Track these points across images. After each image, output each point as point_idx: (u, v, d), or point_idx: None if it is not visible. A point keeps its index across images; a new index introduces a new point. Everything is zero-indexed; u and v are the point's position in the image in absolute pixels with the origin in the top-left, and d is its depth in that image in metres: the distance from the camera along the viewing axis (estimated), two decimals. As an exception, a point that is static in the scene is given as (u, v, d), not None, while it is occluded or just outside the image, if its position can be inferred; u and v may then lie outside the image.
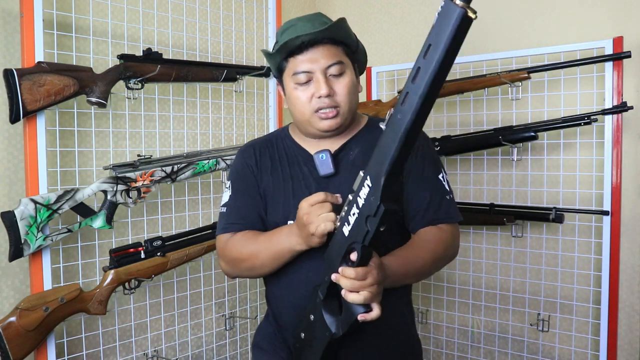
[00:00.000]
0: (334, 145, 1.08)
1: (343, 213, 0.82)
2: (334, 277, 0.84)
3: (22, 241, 1.33)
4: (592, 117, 1.64)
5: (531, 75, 1.76)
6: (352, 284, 0.81)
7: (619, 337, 1.74)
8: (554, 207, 1.75)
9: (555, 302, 1.86)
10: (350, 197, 0.80)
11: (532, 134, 1.73)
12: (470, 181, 2.03)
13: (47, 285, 1.41)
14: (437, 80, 0.66)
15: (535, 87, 1.87)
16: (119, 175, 1.50)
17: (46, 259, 1.41)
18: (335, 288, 0.86)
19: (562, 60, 1.73)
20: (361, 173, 0.78)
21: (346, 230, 0.80)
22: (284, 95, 1.10)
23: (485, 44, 2.03)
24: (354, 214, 0.79)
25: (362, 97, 2.26)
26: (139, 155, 1.59)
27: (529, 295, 1.91)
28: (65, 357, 1.49)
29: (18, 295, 1.48)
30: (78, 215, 1.47)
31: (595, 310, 1.78)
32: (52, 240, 1.39)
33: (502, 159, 1.95)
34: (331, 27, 1.02)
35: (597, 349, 1.73)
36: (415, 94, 0.66)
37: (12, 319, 1.30)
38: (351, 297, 0.82)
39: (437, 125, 2.10)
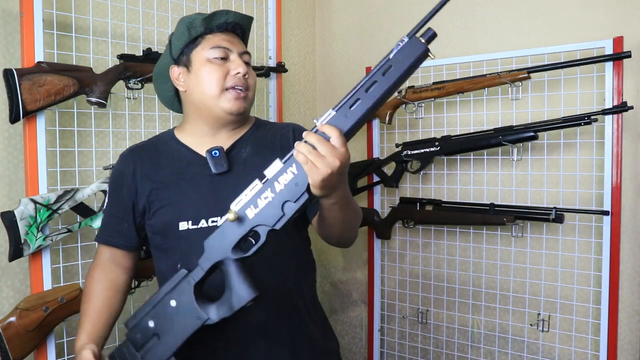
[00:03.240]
0: (226, 143, 1.08)
1: (245, 196, 0.82)
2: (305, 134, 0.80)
3: (22, 241, 1.33)
4: (592, 117, 1.64)
5: (531, 75, 1.75)
6: (325, 146, 0.78)
7: (619, 337, 1.74)
8: (554, 207, 1.75)
9: (555, 302, 1.85)
10: (258, 181, 0.82)
11: (532, 134, 1.72)
12: (470, 181, 2.03)
13: (47, 285, 1.41)
14: (387, 95, 0.79)
15: (535, 87, 1.87)
16: (118, 175, 1.50)
17: (46, 259, 1.41)
18: (209, 276, 0.86)
19: (562, 60, 1.73)
20: (278, 160, 0.82)
21: (251, 212, 0.82)
22: (188, 72, 1.07)
23: (485, 44, 2.03)
24: (265, 198, 0.81)
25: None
26: (139, 155, 1.59)
27: (529, 295, 1.91)
28: (65, 357, 1.49)
29: (18, 295, 1.48)
30: (78, 215, 1.47)
31: (595, 310, 1.78)
32: (52, 240, 1.39)
33: (502, 159, 1.95)
34: (249, 17, 1.12)
35: (597, 349, 1.73)
36: (365, 103, 0.79)
37: (12, 319, 1.30)
38: (301, 158, 0.79)
39: (437, 125, 2.10)
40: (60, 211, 1.40)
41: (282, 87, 2.12)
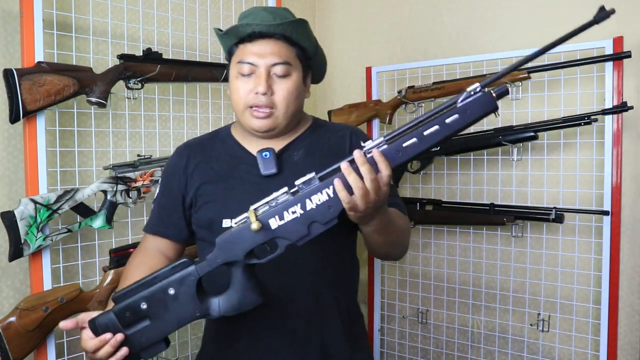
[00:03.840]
0: (278, 144, 1.06)
1: (274, 204, 0.79)
2: (359, 157, 0.76)
3: (22, 241, 1.33)
4: (592, 117, 1.64)
5: (531, 75, 1.76)
6: (369, 184, 0.76)
7: (619, 337, 1.74)
8: (554, 207, 1.75)
9: (555, 302, 1.85)
10: (287, 193, 0.79)
11: (532, 134, 1.72)
12: (470, 181, 2.03)
13: (47, 285, 1.41)
14: (443, 142, 0.77)
15: (535, 87, 1.87)
16: (119, 175, 1.51)
17: (46, 259, 1.41)
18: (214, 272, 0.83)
19: (562, 60, 1.73)
20: (314, 175, 0.79)
21: (274, 223, 0.78)
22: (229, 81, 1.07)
23: (485, 44, 2.03)
24: (293, 212, 0.78)
25: (362, 97, 2.26)
26: (139, 155, 1.59)
27: (529, 295, 1.91)
28: (65, 357, 1.49)
29: (18, 295, 1.48)
30: (78, 215, 1.47)
31: (595, 310, 1.78)
32: (52, 240, 1.39)
33: (502, 159, 1.95)
34: (285, 24, 1.00)
35: (597, 349, 1.73)
36: (420, 146, 0.77)
37: (12, 319, 1.30)
38: (339, 186, 0.76)
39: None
40: (60, 211, 1.39)
41: (282, 87, 2.12)
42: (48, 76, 1.37)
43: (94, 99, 1.46)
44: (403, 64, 2.17)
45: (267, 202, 0.80)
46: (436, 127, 0.76)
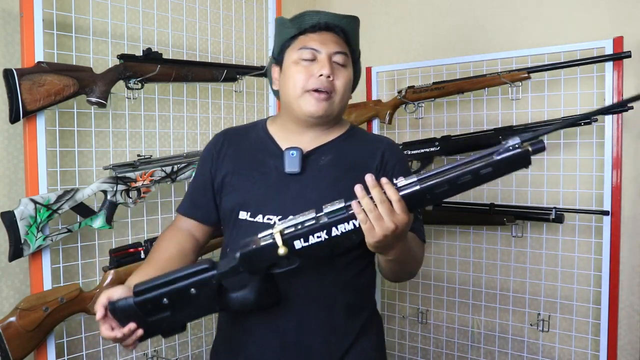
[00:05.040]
0: (309, 145, 1.07)
1: (303, 223, 0.81)
2: (370, 180, 0.79)
3: (22, 241, 1.33)
4: (592, 117, 1.64)
5: (531, 75, 1.75)
6: (380, 206, 0.77)
7: (619, 337, 1.74)
8: (554, 207, 1.75)
9: (555, 302, 1.86)
10: (314, 216, 0.81)
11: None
12: (470, 181, 2.02)
13: (47, 285, 1.41)
14: (469, 189, 0.78)
15: (535, 87, 1.87)
16: (119, 175, 1.50)
17: (46, 259, 1.41)
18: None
19: (562, 60, 1.73)
20: (342, 204, 0.80)
21: (299, 244, 0.81)
22: (280, 72, 1.09)
23: (485, 44, 2.03)
24: (318, 237, 0.80)
25: (362, 97, 2.26)
26: (139, 155, 1.59)
27: (529, 295, 1.91)
28: (65, 357, 1.49)
29: (18, 295, 1.48)
30: (78, 215, 1.47)
31: (595, 310, 1.78)
32: (52, 240, 1.39)
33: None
34: (349, 17, 1.07)
35: (597, 349, 1.73)
36: (451, 191, 0.78)
37: (12, 319, 1.30)
38: (362, 217, 0.78)
39: (437, 125, 2.10)
40: (60, 211, 1.39)
41: (282, 87, 2.12)
42: (48, 76, 1.37)
43: (94, 99, 1.46)
44: (403, 64, 2.17)
45: (294, 225, 0.82)
46: (469, 177, 0.77)
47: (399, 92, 2.04)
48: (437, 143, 1.93)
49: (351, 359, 1.04)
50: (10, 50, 1.47)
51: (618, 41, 1.64)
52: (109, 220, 1.50)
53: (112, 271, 1.47)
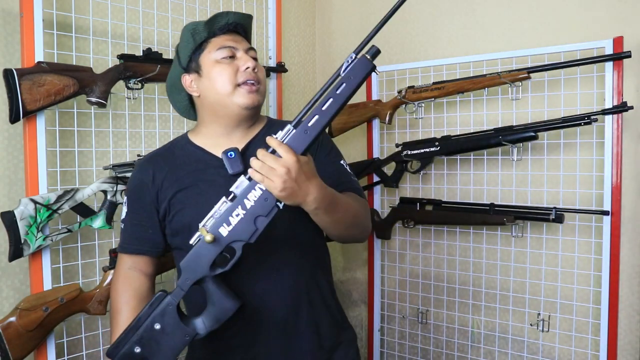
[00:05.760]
0: (240, 143, 1.10)
1: (218, 215, 0.87)
2: (256, 157, 0.85)
3: (22, 241, 1.33)
4: (592, 117, 1.64)
5: (531, 75, 1.75)
6: (264, 159, 0.84)
7: (619, 337, 1.74)
8: (554, 207, 1.75)
9: (555, 302, 1.85)
10: (226, 201, 0.88)
11: (532, 134, 1.72)
12: (470, 181, 2.03)
13: (47, 285, 1.41)
14: (340, 110, 0.88)
15: (535, 87, 1.87)
16: (118, 175, 1.51)
17: (46, 259, 1.41)
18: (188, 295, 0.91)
19: (562, 60, 1.73)
20: (244, 178, 0.88)
21: (224, 230, 0.86)
22: (197, 78, 1.10)
23: (485, 44, 2.03)
24: (237, 215, 0.86)
25: (362, 97, 2.26)
26: (139, 155, 1.59)
27: (529, 295, 1.91)
28: (65, 357, 1.49)
29: (18, 295, 1.48)
30: (78, 215, 1.47)
31: (595, 310, 1.78)
32: (52, 240, 1.39)
33: (502, 159, 1.95)
34: (250, 16, 1.16)
35: (597, 349, 1.73)
36: (324, 118, 0.86)
37: (12, 319, 1.30)
38: (258, 177, 0.85)
39: (437, 125, 2.10)
40: (60, 211, 1.40)
41: (282, 87, 2.12)
42: (48, 76, 1.37)
43: (94, 99, 1.46)
44: (403, 64, 2.17)
45: (212, 216, 0.88)
46: (330, 99, 0.86)
47: (399, 92, 2.04)
48: (437, 143, 1.93)
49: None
50: (10, 50, 1.47)
51: (618, 41, 1.64)
52: (109, 220, 1.50)
53: (111, 271, 1.46)
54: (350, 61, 0.86)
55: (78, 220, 1.47)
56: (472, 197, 2.02)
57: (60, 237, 1.41)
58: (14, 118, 1.32)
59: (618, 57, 1.62)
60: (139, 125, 1.71)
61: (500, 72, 1.80)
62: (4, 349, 1.28)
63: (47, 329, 1.36)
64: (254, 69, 1.08)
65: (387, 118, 2.07)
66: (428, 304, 2.17)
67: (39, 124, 1.39)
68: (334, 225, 1.00)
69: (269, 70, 1.97)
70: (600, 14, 1.79)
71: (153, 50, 1.60)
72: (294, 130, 0.87)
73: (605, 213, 1.67)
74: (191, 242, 0.89)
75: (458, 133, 1.95)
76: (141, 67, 1.56)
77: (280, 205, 0.87)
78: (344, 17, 2.47)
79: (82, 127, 1.57)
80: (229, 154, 1.05)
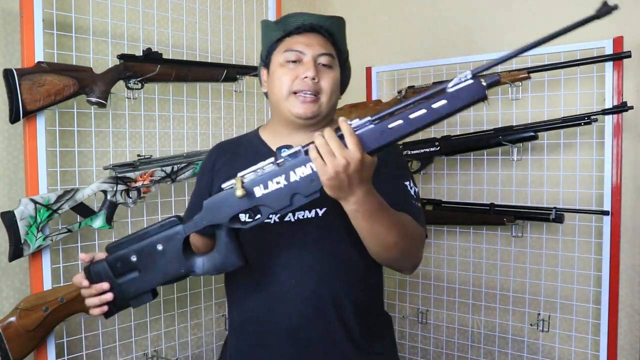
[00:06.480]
0: (301, 142, 1.07)
1: (260, 172, 0.83)
2: (318, 138, 0.79)
3: (22, 241, 1.33)
4: (592, 117, 1.64)
5: (531, 75, 1.76)
6: (331, 142, 0.77)
7: (619, 337, 1.74)
8: (554, 207, 1.75)
9: (555, 302, 1.86)
10: (272, 164, 0.82)
11: (532, 134, 1.72)
12: (470, 181, 2.03)
13: (47, 285, 1.41)
14: (428, 126, 0.78)
15: (535, 87, 1.87)
16: (119, 175, 1.50)
17: (46, 259, 1.41)
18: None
19: (562, 60, 1.73)
20: (301, 149, 0.81)
21: (259, 191, 0.82)
22: (267, 75, 1.11)
23: (486, 44, 2.03)
24: (277, 183, 0.81)
25: (362, 97, 2.26)
26: (139, 155, 1.59)
27: (529, 295, 1.91)
28: (65, 357, 1.49)
29: (18, 295, 1.48)
30: (78, 215, 1.47)
31: (595, 310, 1.78)
32: (52, 240, 1.39)
33: (502, 159, 1.95)
34: (333, 18, 1.09)
35: (597, 349, 1.73)
36: (408, 127, 0.77)
37: (12, 319, 1.30)
38: (314, 155, 0.78)
39: (437, 125, 2.09)
40: (60, 211, 1.39)
41: (282, 87, 2.12)
42: (48, 76, 1.37)
43: (94, 99, 1.46)
44: (403, 64, 2.17)
45: (254, 171, 0.83)
46: (423, 111, 0.76)
47: (399, 92, 2.04)
48: (437, 143, 1.93)
49: None
50: (10, 50, 1.47)
51: (618, 41, 1.64)
52: (109, 220, 1.50)
53: (112, 271, 1.46)
54: (462, 80, 0.74)
55: (78, 220, 1.47)
56: (472, 197, 2.02)
57: (60, 237, 1.41)
58: (14, 118, 1.32)
59: (618, 57, 1.62)
60: (139, 125, 1.71)
61: (500, 72, 1.81)
62: (4, 349, 1.28)
63: (47, 329, 1.36)
64: (312, 79, 1.02)
65: (387, 118, 2.07)
66: (428, 304, 2.17)
67: (39, 124, 1.39)
68: (372, 237, 0.92)
69: (269, 70, 1.97)
70: (600, 14, 1.79)
71: (153, 50, 1.60)
72: (371, 126, 0.78)
73: (605, 213, 1.67)
74: (223, 186, 0.86)
75: (458, 133, 1.95)
76: (141, 67, 1.56)
77: (318, 194, 0.82)
78: (344, 17, 2.46)
79: (82, 127, 1.57)
80: (282, 149, 1.04)
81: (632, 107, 1.60)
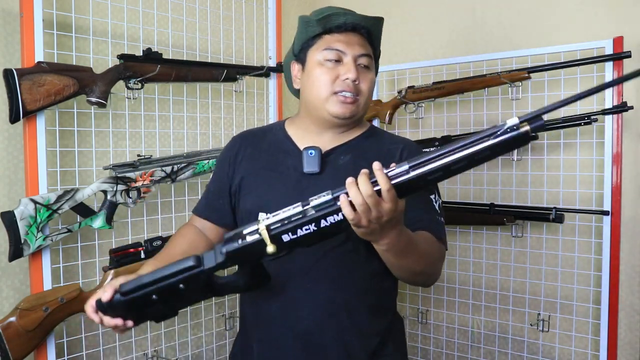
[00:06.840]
0: (328, 144, 1.06)
1: (290, 218, 0.77)
2: (351, 181, 0.74)
3: (22, 241, 1.33)
4: (592, 117, 1.64)
5: (531, 75, 1.76)
6: (368, 199, 0.72)
7: (619, 337, 1.74)
8: (554, 207, 1.75)
9: (555, 302, 1.85)
10: (302, 207, 0.77)
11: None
12: (470, 181, 2.03)
13: (47, 285, 1.41)
14: (465, 170, 0.72)
15: (535, 87, 1.87)
16: (119, 175, 1.50)
17: (46, 259, 1.41)
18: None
19: (562, 60, 1.73)
20: (330, 197, 0.76)
21: (287, 237, 0.77)
22: (301, 70, 1.08)
23: (485, 44, 2.03)
24: (306, 229, 0.77)
25: (362, 97, 2.26)
26: (139, 155, 1.59)
27: (529, 295, 1.91)
28: (65, 357, 1.49)
29: (18, 295, 1.48)
30: (78, 215, 1.47)
31: (595, 310, 1.78)
32: (52, 240, 1.39)
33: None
34: (375, 18, 1.09)
35: (597, 349, 1.73)
36: (444, 175, 0.71)
37: (12, 319, 1.30)
38: (348, 211, 0.73)
39: (437, 125, 2.10)
40: (60, 211, 1.39)
41: (282, 87, 2.12)
42: (48, 76, 1.37)
43: (94, 99, 1.46)
44: (403, 64, 2.17)
45: (280, 220, 0.78)
46: (464, 162, 0.71)
47: (399, 92, 2.04)
48: (437, 143, 1.93)
49: None
50: (10, 50, 1.47)
51: (618, 41, 1.64)
52: (109, 220, 1.50)
53: (112, 271, 1.46)
54: (509, 129, 0.69)
55: (78, 220, 1.47)
56: (472, 197, 2.02)
57: (60, 237, 1.41)
58: (14, 118, 1.32)
59: (618, 57, 1.62)
60: (139, 125, 1.71)
61: (500, 72, 1.81)
62: (4, 349, 1.28)
63: (47, 329, 1.36)
64: (354, 81, 1.01)
65: (387, 118, 2.07)
66: (428, 304, 2.17)
67: (39, 124, 1.39)
68: (399, 269, 0.93)
69: (269, 70, 1.97)
70: (600, 14, 1.79)
71: (153, 50, 1.60)
72: (409, 175, 0.73)
73: (605, 213, 1.67)
74: (245, 232, 0.79)
75: (458, 133, 1.95)
76: (141, 67, 1.56)
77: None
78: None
79: (82, 127, 1.57)
80: (309, 152, 1.02)
81: (632, 107, 1.61)
